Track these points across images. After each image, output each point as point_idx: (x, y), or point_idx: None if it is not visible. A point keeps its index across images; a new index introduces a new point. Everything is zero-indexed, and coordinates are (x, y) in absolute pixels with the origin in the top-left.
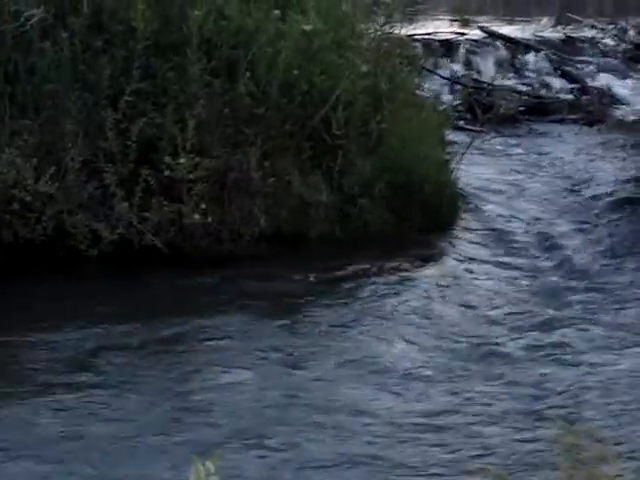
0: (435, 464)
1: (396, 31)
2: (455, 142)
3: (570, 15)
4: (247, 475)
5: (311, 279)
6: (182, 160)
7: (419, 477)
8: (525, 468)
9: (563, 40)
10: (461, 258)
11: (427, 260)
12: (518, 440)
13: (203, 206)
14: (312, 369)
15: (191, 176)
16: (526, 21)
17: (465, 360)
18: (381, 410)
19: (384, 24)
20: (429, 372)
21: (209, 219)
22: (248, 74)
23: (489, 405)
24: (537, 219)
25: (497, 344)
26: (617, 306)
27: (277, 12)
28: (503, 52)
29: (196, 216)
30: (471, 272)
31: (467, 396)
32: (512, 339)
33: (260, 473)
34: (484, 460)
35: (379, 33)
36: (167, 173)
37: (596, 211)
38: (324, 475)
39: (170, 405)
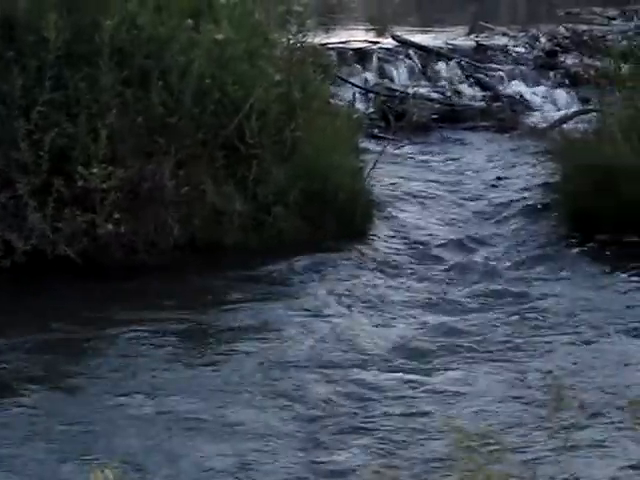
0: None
1: (309, 40)
2: (369, 150)
3: (483, 24)
4: None
5: (223, 287)
6: (95, 170)
7: None
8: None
9: (475, 48)
10: (374, 265)
11: (340, 268)
12: (410, 441)
13: (116, 216)
14: (215, 378)
15: (104, 186)
16: (440, 30)
17: (368, 367)
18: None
19: (297, 33)
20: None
21: (122, 229)
22: (161, 83)
23: (378, 409)
24: (449, 226)
25: (401, 351)
26: (522, 311)
27: (189, 21)
28: (416, 60)
29: (109, 226)
30: (383, 279)
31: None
32: (414, 347)
33: None
34: (391, 457)
35: (292, 42)
36: (80, 183)
37: (507, 217)
38: None
39: (56, 415)
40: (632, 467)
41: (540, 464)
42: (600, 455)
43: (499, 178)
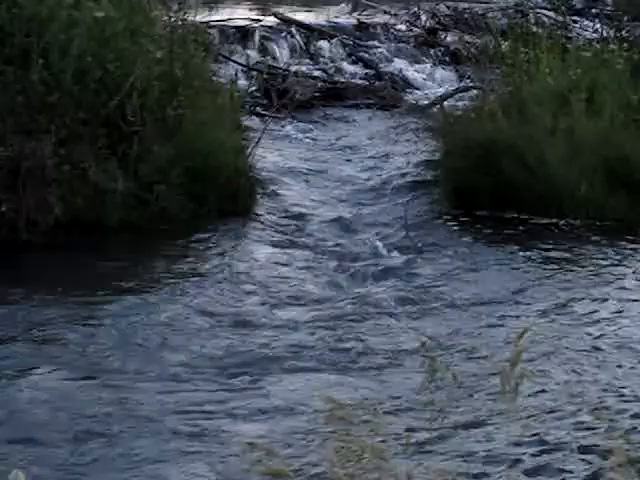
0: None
1: (191, 17)
2: (252, 128)
3: (366, 2)
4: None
5: (105, 265)
6: None
7: None
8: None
9: (356, 26)
10: (256, 243)
11: (222, 245)
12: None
13: None
14: (100, 359)
15: None
16: (323, 8)
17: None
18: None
19: (178, 10)
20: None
21: (3, 208)
22: (41, 62)
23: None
24: (332, 203)
25: (274, 326)
26: (401, 285)
27: None
28: (298, 38)
29: None
30: (265, 256)
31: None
32: (291, 320)
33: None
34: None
35: (173, 19)
36: None
37: (389, 194)
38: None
39: None
40: (503, 434)
41: (415, 434)
42: (472, 423)
43: (381, 155)
